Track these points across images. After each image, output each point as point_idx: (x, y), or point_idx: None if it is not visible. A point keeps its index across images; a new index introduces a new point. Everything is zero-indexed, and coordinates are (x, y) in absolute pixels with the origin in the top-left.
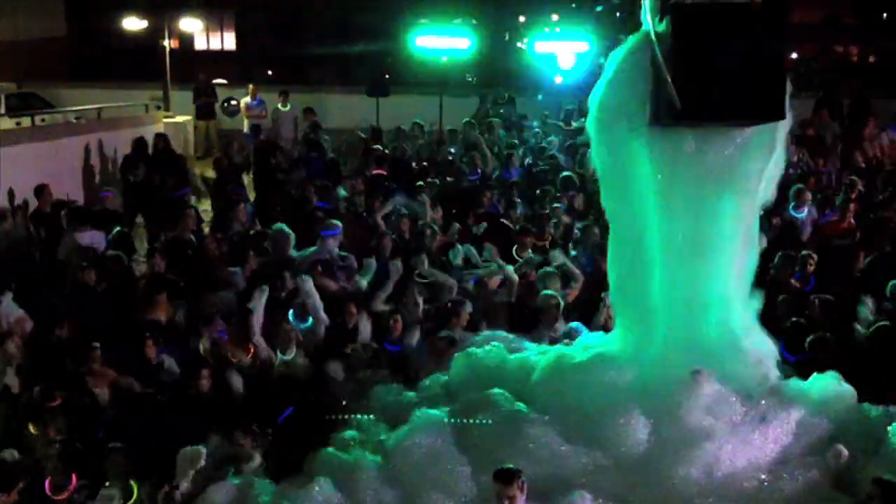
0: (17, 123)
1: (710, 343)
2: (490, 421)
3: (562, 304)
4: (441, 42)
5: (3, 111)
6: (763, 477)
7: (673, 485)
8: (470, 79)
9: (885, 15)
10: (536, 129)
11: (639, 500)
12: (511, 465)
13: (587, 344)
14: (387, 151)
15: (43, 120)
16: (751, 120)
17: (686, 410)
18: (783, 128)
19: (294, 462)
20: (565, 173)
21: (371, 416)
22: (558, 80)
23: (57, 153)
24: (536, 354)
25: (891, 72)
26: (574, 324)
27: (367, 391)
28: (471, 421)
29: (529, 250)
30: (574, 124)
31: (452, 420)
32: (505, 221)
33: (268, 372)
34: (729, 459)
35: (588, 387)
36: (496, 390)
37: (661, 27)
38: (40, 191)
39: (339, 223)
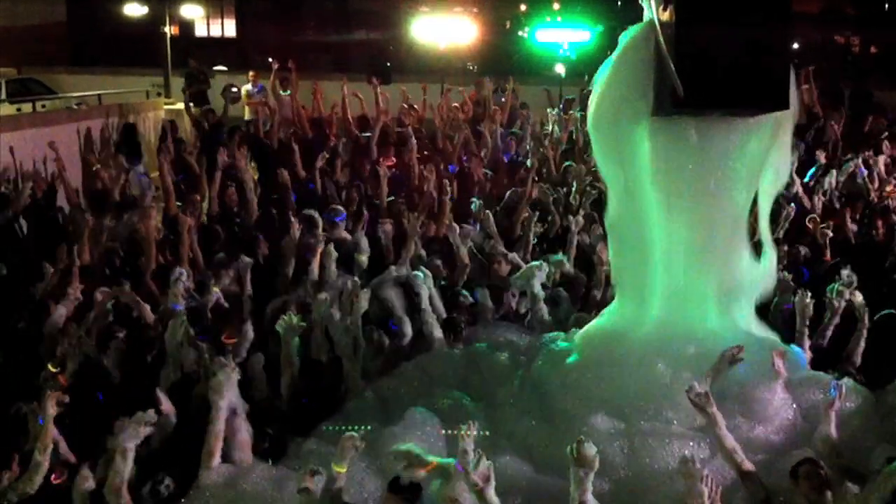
0: (18, 109)
1: (711, 334)
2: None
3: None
4: (441, 29)
5: (3, 97)
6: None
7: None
8: (471, 67)
9: (886, 6)
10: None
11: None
12: (406, 478)
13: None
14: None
15: (43, 106)
16: (755, 109)
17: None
18: (789, 117)
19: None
20: (567, 163)
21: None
22: (559, 68)
23: (58, 139)
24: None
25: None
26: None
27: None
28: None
29: None
30: (574, 113)
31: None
32: None
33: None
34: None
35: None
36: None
37: (665, 16)
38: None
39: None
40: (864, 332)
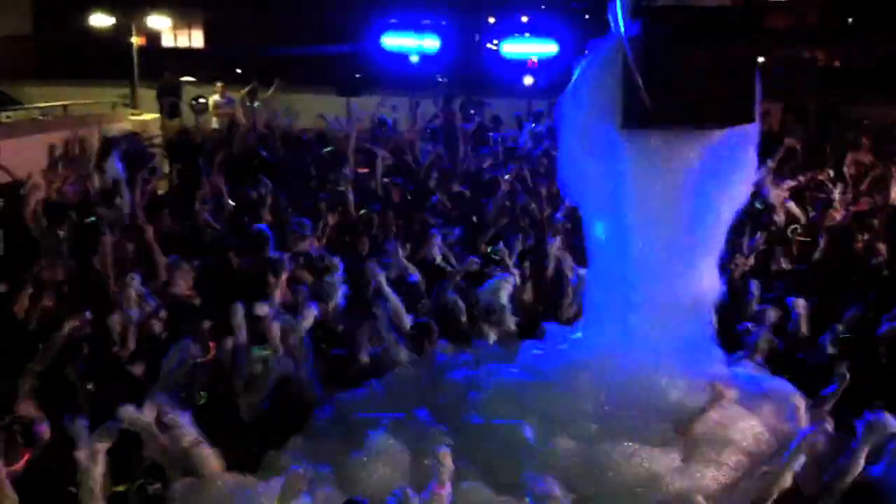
0: None
1: (685, 345)
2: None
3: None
4: (410, 42)
5: None
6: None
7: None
8: (441, 79)
9: (850, 20)
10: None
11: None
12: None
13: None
14: None
15: (9, 117)
16: (721, 123)
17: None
18: (755, 130)
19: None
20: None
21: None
22: (528, 81)
23: (23, 150)
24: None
25: (858, 76)
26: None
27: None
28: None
29: None
30: (541, 127)
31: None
32: None
33: None
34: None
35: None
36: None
37: (633, 30)
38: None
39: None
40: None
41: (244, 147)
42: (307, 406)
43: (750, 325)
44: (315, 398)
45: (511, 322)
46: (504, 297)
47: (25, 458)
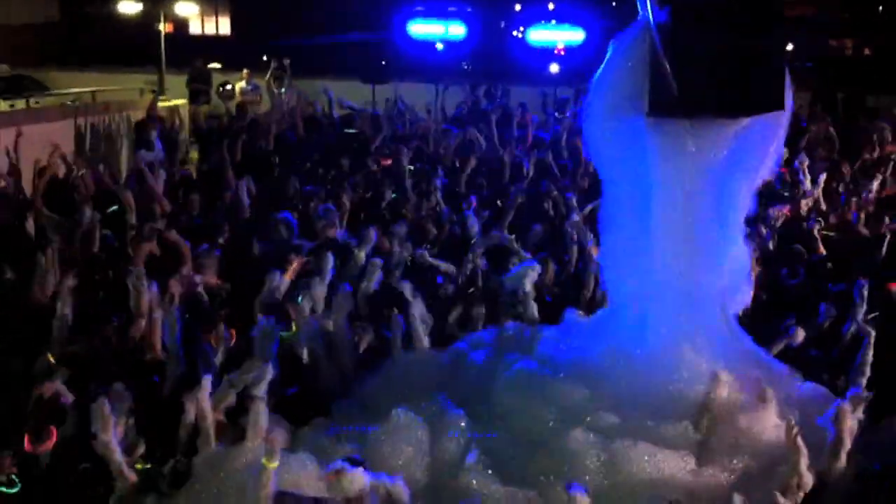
0: (11, 106)
1: (705, 332)
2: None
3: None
4: (436, 29)
5: None
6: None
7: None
8: (466, 66)
9: (880, 9)
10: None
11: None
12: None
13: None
14: None
15: (37, 102)
16: (750, 111)
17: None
18: (784, 118)
19: None
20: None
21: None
22: (554, 68)
23: (51, 136)
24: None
25: (886, 66)
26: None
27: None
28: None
29: None
30: (568, 114)
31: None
32: None
33: None
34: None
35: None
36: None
37: (660, 17)
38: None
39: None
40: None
41: (267, 132)
42: (332, 388)
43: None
44: (340, 380)
45: (534, 310)
46: (529, 284)
47: (54, 436)
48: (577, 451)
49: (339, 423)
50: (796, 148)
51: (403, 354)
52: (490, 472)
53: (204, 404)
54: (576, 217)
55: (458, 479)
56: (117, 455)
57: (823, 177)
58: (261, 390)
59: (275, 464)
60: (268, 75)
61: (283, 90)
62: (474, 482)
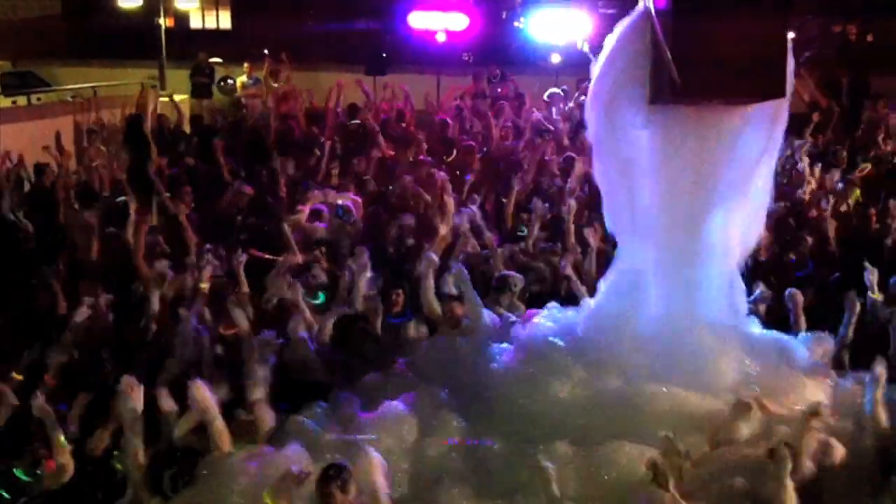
0: (13, 102)
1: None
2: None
3: None
4: (437, 19)
5: None
6: None
7: None
8: (466, 57)
9: None
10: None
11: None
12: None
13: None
14: None
15: (39, 98)
16: (751, 98)
17: None
18: (786, 105)
19: None
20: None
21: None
22: (555, 58)
23: (53, 131)
24: None
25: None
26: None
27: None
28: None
29: None
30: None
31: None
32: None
33: None
34: None
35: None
36: None
37: (661, 4)
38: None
39: None
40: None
41: (265, 127)
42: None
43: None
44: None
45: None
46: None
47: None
48: (563, 460)
49: (332, 413)
50: (800, 135)
51: (409, 345)
52: (470, 480)
53: (206, 405)
54: (572, 203)
55: (437, 486)
56: (139, 439)
57: (824, 166)
58: (262, 392)
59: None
60: (265, 70)
61: (278, 84)
62: (454, 492)
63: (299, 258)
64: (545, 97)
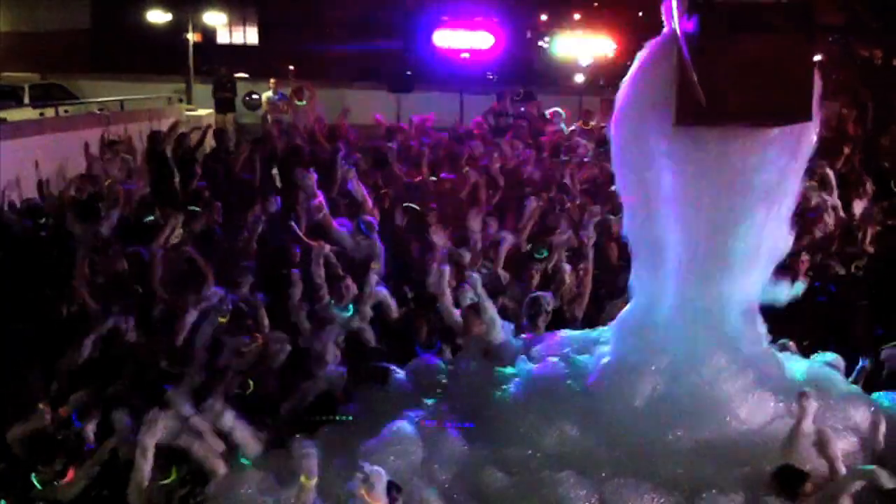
0: (41, 114)
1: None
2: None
3: None
4: (462, 38)
5: (26, 101)
6: None
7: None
8: (491, 76)
9: None
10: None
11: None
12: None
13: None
14: None
15: (66, 111)
16: (777, 121)
17: None
18: (812, 128)
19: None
20: None
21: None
22: (579, 78)
23: (81, 143)
24: None
25: None
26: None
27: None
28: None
29: None
30: (591, 123)
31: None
32: None
33: None
34: None
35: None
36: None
37: (687, 26)
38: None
39: None
40: None
41: (289, 145)
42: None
43: None
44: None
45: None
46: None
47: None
48: (569, 489)
49: (342, 431)
50: (825, 158)
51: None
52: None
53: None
54: (592, 224)
55: None
56: (148, 466)
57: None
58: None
59: (313, 481)
60: (289, 90)
61: (303, 103)
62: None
63: (327, 247)
64: (546, 114)
